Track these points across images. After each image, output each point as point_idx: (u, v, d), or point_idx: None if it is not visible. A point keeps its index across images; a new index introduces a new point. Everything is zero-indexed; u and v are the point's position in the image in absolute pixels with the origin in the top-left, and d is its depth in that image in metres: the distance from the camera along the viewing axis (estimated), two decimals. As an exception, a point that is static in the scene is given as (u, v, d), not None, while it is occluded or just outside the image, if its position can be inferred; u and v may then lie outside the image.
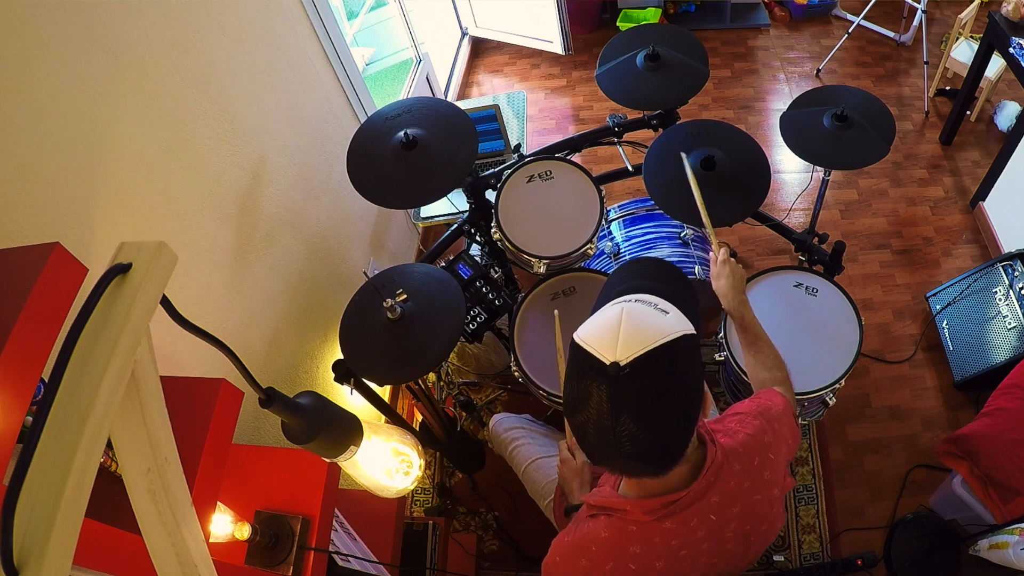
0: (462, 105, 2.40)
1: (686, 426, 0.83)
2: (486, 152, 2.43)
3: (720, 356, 1.65)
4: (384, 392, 2.22)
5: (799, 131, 1.68)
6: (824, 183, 1.92)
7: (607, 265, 2.06)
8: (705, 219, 1.42)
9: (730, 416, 1.01)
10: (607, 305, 0.87)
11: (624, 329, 0.79)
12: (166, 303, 0.59)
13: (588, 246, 1.69)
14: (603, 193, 1.73)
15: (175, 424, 0.61)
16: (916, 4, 3.11)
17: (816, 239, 1.81)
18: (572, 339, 0.85)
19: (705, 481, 0.88)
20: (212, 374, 0.94)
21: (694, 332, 0.82)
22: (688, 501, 0.88)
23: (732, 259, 1.36)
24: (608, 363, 0.77)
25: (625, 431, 0.77)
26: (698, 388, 0.83)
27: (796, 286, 1.67)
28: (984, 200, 2.59)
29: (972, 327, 2.18)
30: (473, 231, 1.92)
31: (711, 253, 1.39)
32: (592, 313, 0.90)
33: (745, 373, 1.55)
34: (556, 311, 1.35)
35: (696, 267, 1.94)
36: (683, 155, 1.50)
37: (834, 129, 1.64)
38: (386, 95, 3.31)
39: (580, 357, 0.81)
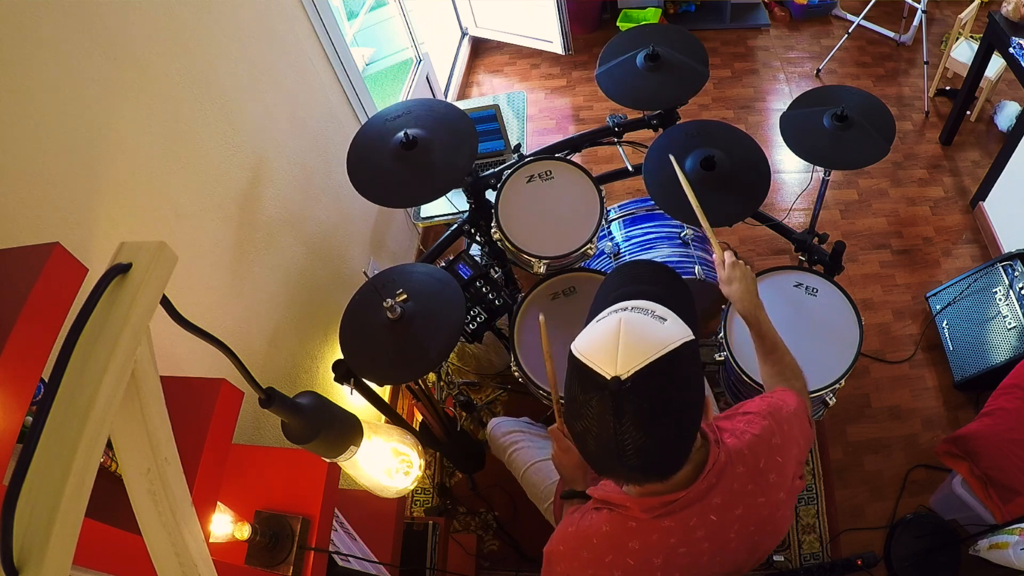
0: (462, 105, 2.40)
1: (689, 434, 0.83)
2: (486, 152, 2.43)
3: (720, 356, 1.65)
4: (384, 392, 2.22)
5: (799, 131, 1.68)
6: (824, 183, 1.92)
7: (607, 265, 2.06)
8: (703, 222, 1.38)
9: (739, 415, 0.99)
10: (603, 315, 0.85)
11: (623, 341, 0.78)
12: (166, 303, 0.59)
13: (588, 246, 1.69)
14: (603, 193, 1.73)
15: (175, 424, 0.61)
16: (916, 4, 3.11)
17: (816, 239, 1.81)
18: (571, 351, 0.83)
19: (706, 482, 0.88)
20: (212, 374, 0.95)
21: (693, 338, 0.82)
22: (687, 501, 0.88)
23: (740, 261, 1.27)
24: (609, 378, 0.76)
25: (629, 444, 0.77)
26: (700, 394, 0.83)
27: (796, 286, 1.67)
28: (984, 200, 2.60)
29: (972, 327, 2.18)
30: (473, 231, 1.91)
31: (714, 256, 1.32)
32: (588, 321, 0.89)
33: (745, 373, 1.56)
34: (541, 316, 1.28)
35: (696, 267, 1.94)
36: (672, 158, 1.45)
37: (834, 129, 1.64)
38: (386, 95, 3.31)
39: (580, 371, 0.80)
